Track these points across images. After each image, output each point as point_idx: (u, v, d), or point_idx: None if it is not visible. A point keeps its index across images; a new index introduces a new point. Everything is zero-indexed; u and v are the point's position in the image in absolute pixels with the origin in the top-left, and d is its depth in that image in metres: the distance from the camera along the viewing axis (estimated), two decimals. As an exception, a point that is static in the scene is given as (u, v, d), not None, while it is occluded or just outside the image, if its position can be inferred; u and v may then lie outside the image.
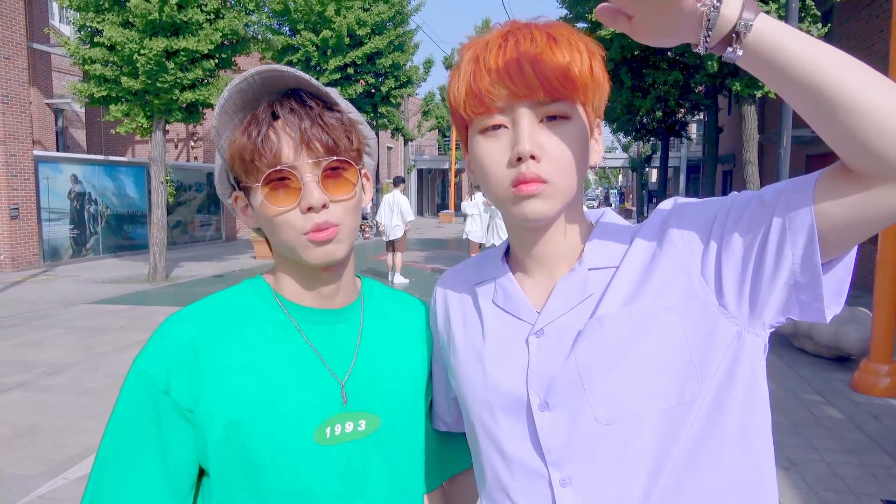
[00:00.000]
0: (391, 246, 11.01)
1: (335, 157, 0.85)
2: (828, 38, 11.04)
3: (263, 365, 0.88)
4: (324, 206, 0.85)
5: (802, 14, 8.98)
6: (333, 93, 0.92)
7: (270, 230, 0.89)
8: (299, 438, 0.87)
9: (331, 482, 0.88)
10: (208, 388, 0.85)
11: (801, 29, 8.89)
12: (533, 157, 0.77)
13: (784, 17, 8.10)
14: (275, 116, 0.85)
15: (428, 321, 1.05)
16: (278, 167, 0.84)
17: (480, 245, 11.26)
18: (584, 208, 0.91)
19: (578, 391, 0.79)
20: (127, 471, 0.84)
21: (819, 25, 9.10)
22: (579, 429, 0.79)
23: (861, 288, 10.51)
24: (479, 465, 0.91)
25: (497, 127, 0.79)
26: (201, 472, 0.90)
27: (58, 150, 18.81)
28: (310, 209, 0.84)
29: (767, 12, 8.51)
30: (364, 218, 20.69)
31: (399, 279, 11.10)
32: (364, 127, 0.95)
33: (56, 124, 19.57)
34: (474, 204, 11.27)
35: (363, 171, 0.96)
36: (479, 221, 11.27)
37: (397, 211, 10.74)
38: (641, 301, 0.80)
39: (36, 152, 13.98)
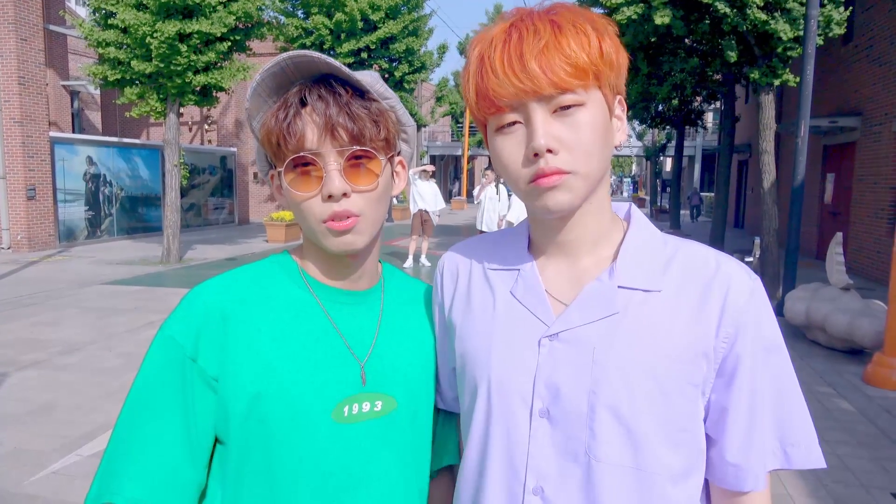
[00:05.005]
0: (421, 230, 11.29)
1: (358, 147, 0.85)
2: (849, 24, 10.83)
3: (288, 340, 0.90)
4: (345, 195, 0.85)
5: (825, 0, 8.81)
6: (372, 77, 0.91)
7: (295, 213, 0.90)
8: (318, 415, 0.88)
9: (345, 459, 0.89)
10: (235, 357, 0.87)
11: (822, 14, 8.70)
12: (550, 151, 0.75)
13: (806, 3, 7.94)
14: (303, 103, 0.85)
15: None
16: (301, 153, 0.85)
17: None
18: None
19: (582, 418, 0.79)
20: (148, 434, 0.85)
21: (841, 9, 8.90)
22: (569, 450, 0.80)
23: (876, 281, 10.40)
24: (465, 446, 0.92)
25: (512, 124, 0.78)
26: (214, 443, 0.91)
27: (73, 132, 18.94)
28: (330, 197, 0.85)
29: (785, 2, 8.33)
30: None
31: (425, 262, 11.45)
32: (402, 113, 0.95)
33: (72, 106, 19.69)
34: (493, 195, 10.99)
35: (397, 159, 0.96)
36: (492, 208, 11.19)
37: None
38: (672, 368, 0.79)
39: (52, 134, 14.08)
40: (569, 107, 0.76)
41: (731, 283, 0.81)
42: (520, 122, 0.78)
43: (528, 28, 0.76)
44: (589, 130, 0.76)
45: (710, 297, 0.80)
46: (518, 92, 0.75)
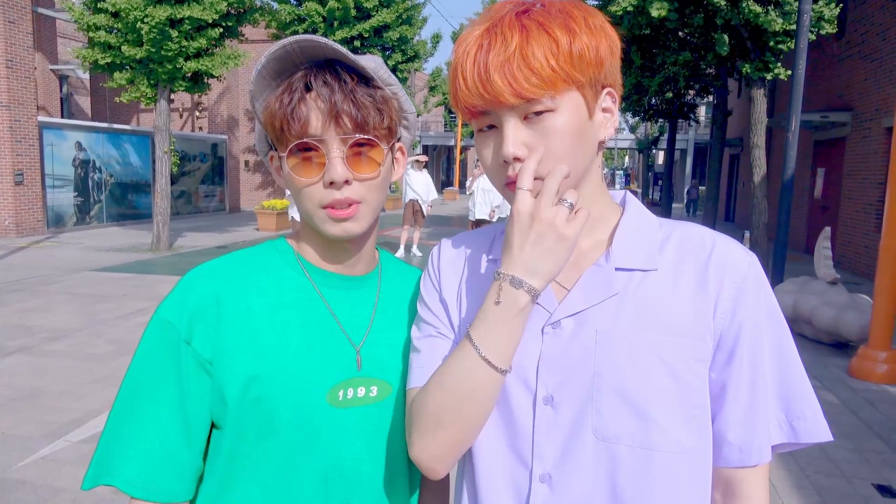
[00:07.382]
0: (413, 220, 11.26)
1: (361, 135, 0.86)
2: (842, 19, 10.87)
3: (284, 323, 0.90)
4: (346, 182, 0.86)
5: (817, -5, 8.84)
6: (376, 63, 0.91)
7: (296, 198, 0.90)
8: (313, 398, 0.88)
9: (339, 443, 0.90)
10: (230, 340, 0.87)
11: (814, 11, 8.73)
12: (517, 159, 0.77)
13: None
14: (308, 88, 0.85)
15: None
16: (304, 139, 0.85)
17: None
18: None
19: (589, 401, 0.79)
20: (144, 415, 0.85)
21: (832, 5, 8.94)
22: (576, 434, 0.80)
23: (863, 275, 10.50)
24: None
25: (490, 127, 0.80)
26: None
27: (62, 117, 18.75)
28: (332, 184, 0.85)
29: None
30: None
31: (416, 252, 11.43)
32: (404, 100, 0.95)
33: (61, 90, 19.47)
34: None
35: (397, 146, 0.96)
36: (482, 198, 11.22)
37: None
38: (677, 344, 0.79)
39: (40, 118, 13.94)
40: (540, 112, 0.76)
41: (729, 259, 0.82)
42: (496, 127, 0.79)
43: (497, 36, 0.75)
44: (558, 136, 0.77)
45: (708, 272, 0.81)
46: (485, 103, 0.76)
